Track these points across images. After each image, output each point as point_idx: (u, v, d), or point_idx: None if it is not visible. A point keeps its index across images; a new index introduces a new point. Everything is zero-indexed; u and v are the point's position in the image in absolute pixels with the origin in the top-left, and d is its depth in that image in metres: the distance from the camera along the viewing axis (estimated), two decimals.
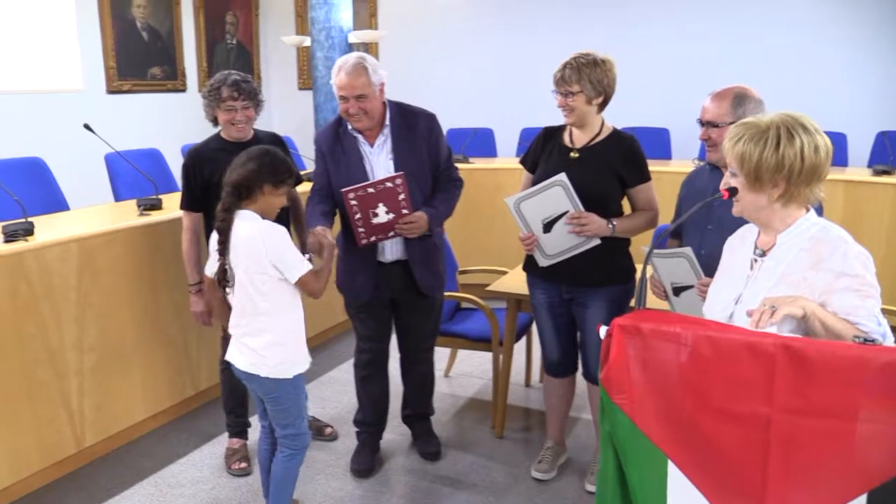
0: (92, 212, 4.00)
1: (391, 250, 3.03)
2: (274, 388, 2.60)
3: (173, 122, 6.71)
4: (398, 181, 2.80)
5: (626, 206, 2.91)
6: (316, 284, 2.57)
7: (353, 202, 2.79)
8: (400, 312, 3.18)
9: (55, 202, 4.43)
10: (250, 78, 3.23)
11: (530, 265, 2.98)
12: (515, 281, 3.45)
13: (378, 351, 3.23)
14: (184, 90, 7.02)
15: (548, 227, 2.80)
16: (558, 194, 2.73)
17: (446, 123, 7.24)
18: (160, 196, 3.91)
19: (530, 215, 2.80)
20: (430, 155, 2.99)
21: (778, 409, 1.40)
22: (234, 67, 7.59)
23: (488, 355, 3.70)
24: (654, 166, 2.93)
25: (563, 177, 2.72)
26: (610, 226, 2.78)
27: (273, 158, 2.57)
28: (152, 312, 3.57)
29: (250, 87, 3.18)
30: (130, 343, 3.50)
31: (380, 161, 2.96)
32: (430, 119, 3.02)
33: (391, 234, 2.91)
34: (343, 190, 2.71)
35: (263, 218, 2.58)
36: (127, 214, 3.74)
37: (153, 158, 5.08)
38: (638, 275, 2.01)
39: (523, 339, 4.03)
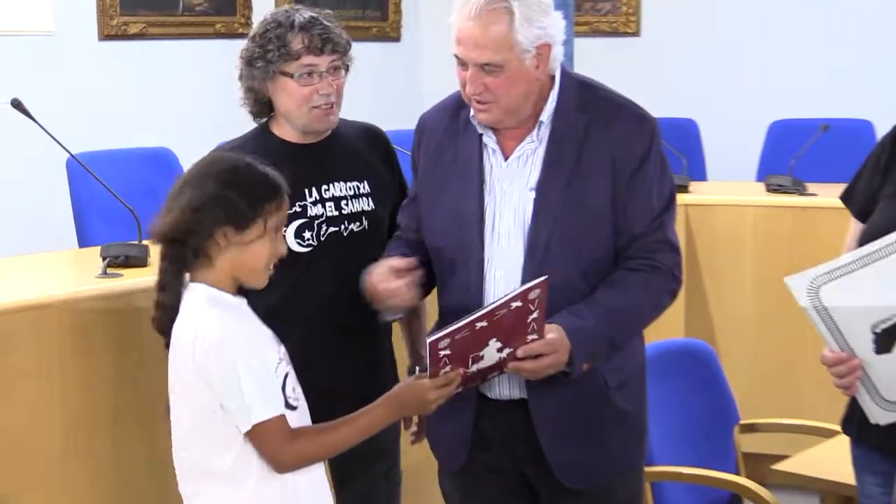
0: (22, 264, 4.32)
1: (503, 379, 3.11)
2: None
3: (220, 95, 7.08)
4: (534, 294, 2.86)
5: None
6: (284, 448, 2.69)
7: (445, 352, 2.84)
8: None
9: None
10: (333, 16, 3.44)
11: (854, 422, 3.02)
12: (840, 452, 3.37)
13: None
14: (244, 35, 7.43)
15: (886, 339, 2.77)
16: None
17: (768, 114, 7.51)
18: (147, 242, 4.13)
19: (846, 314, 2.81)
20: (623, 199, 3.05)
21: None
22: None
23: None
24: None
25: None
26: None
27: (221, 170, 2.76)
28: (109, 469, 3.75)
29: (339, 31, 3.39)
30: None
31: (511, 191, 3.08)
32: (640, 125, 3.11)
33: (493, 374, 3.03)
34: (430, 340, 2.80)
35: (238, 291, 2.75)
36: (82, 274, 4.01)
37: (158, 165, 5.46)
38: None
39: None
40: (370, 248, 3.39)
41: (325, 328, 3.39)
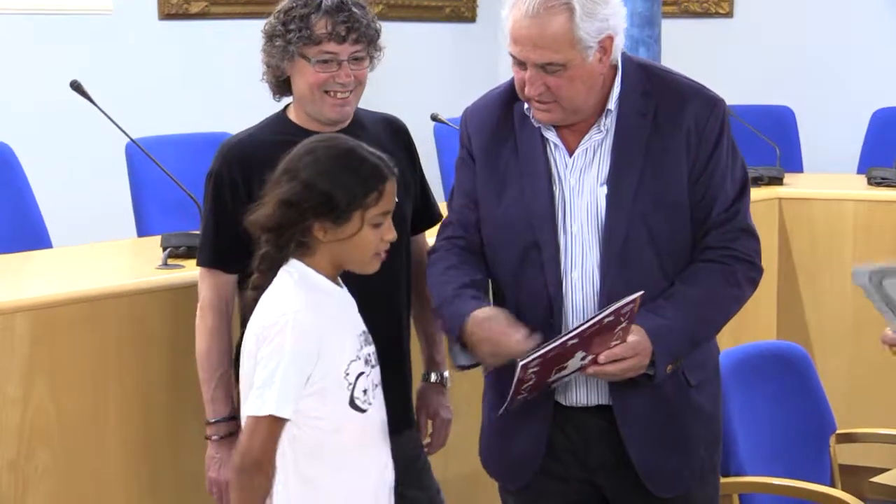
0: (79, 254, 4.40)
1: (580, 386, 3.13)
2: None
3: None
4: (626, 308, 2.89)
5: None
6: (258, 454, 2.70)
7: (534, 370, 2.90)
8: None
9: (25, 232, 4.96)
10: (365, 1, 3.45)
11: None
12: None
13: None
14: None
15: None
16: None
17: (871, 101, 7.35)
18: None
19: None
20: (698, 186, 3.07)
21: None
22: None
23: None
24: None
25: None
26: None
27: (318, 160, 2.79)
28: (166, 464, 3.79)
29: (367, 20, 3.39)
30: None
31: (579, 187, 3.10)
32: (711, 107, 3.11)
33: (568, 378, 3.07)
34: (522, 363, 2.83)
35: (337, 275, 2.83)
36: (141, 264, 4.07)
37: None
38: None
39: None
40: (393, 246, 3.30)
41: None
